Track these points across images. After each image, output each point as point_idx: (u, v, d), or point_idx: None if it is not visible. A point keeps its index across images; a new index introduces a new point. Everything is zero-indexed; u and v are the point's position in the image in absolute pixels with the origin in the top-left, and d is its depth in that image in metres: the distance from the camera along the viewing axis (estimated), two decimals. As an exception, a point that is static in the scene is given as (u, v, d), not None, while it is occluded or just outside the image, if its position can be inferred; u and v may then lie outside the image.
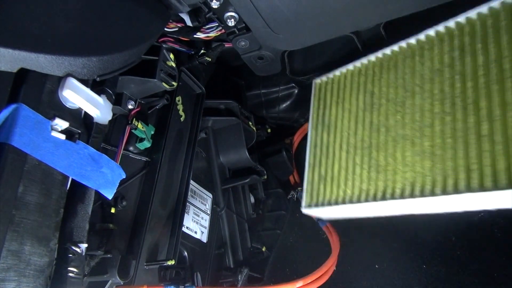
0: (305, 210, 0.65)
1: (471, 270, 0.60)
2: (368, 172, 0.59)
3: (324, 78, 0.71)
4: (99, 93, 0.43)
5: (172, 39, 0.57)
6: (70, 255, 0.39)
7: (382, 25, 0.60)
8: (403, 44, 0.59)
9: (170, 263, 0.51)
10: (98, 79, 0.41)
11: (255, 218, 0.81)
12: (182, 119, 0.61)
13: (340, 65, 0.66)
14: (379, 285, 0.64)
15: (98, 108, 0.42)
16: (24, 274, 0.34)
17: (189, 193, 0.60)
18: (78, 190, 0.41)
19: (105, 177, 0.43)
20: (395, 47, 0.60)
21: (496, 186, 0.44)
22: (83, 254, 0.40)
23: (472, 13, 0.52)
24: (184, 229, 0.59)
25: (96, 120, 0.43)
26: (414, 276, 0.63)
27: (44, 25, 0.36)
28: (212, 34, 0.57)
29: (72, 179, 0.40)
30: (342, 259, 0.67)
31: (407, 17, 0.52)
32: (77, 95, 0.39)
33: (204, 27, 0.56)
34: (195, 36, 0.56)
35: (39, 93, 0.37)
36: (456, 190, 0.48)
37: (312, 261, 0.71)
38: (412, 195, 0.52)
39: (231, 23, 0.52)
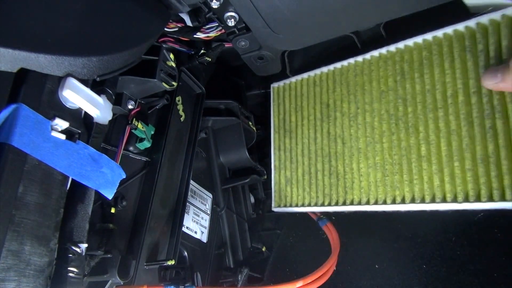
0: (276, 209, 0.71)
1: (471, 270, 0.60)
2: (329, 178, 0.65)
3: (281, 83, 0.74)
4: (99, 93, 0.43)
5: (172, 39, 0.57)
6: (70, 255, 0.39)
7: (382, 25, 0.61)
8: (351, 61, 0.64)
9: (170, 263, 0.51)
10: (98, 79, 0.41)
11: (255, 218, 0.81)
12: (182, 119, 0.61)
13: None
14: (379, 285, 0.64)
15: (98, 108, 0.42)
16: (24, 274, 0.34)
17: (189, 193, 0.60)
18: (78, 190, 0.41)
19: (105, 177, 0.43)
20: (345, 63, 0.64)
21: (433, 200, 0.53)
22: (83, 254, 0.40)
23: (410, 42, 0.57)
24: (184, 229, 0.59)
25: (96, 120, 0.43)
26: (414, 276, 0.63)
27: (44, 25, 0.36)
28: (212, 34, 0.57)
29: (72, 179, 0.40)
30: (342, 259, 0.67)
31: (407, 17, 0.52)
32: (77, 95, 0.39)
33: (204, 27, 0.56)
34: (195, 36, 0.56)
35: (39, 93, 0.37)
36: (403, 201, 0.56)
37: (312, 261, 0.71)
38: (368, 203, 0.60)
39: (231, 23, 0.52)
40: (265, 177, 0.75)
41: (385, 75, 0.59)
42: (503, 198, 0.48)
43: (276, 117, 0.74)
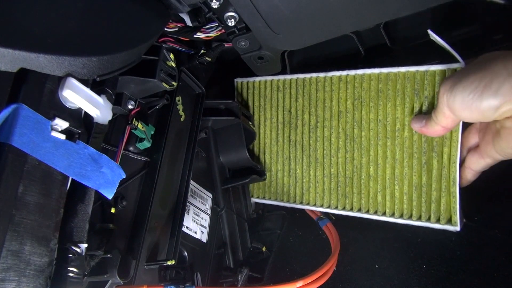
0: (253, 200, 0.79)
1: (471, 270, 0.60)
2: (288, 178, 0.72)
3: (245, 80, 0.77)
4: (99, 93, 0.43)
5: (172, 39, 0.57)
6: (70, 255, 0.39)
7: (382, 25, 0.61)
8: (314, 75, 0.68)
9: (170, 263, 0.51)
10: (98, 79, 0.41)
11: (255, 218, 0.81)
12: (182, 119, 0.61)
13: (340, 65, 0.66)
14: (379, 285, 0.64)
15: (98, 108, 0.42)
16: (24, 274, 0.34)
17: (189, 193, 0.60)
18: (78, 190, 0.41)
19: (105, 177, 0.43)
20: (308, 76, 0.68)
21: (375, 213, 0.63)
22: (83, 254, 0.40)
23: (369, 71, 0.62)
24: (184, 229, 0.59)
25: (96, 120, 0.43)
26: (414, 276, 0.63)
27: (44, 25, 0.36)
28: (212, 34, 0.57)
29: (72, 179, 0.40)
30: (342, 259, 0.67)
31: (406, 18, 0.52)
32: (77, 95, 0.39)
33: (204, 27, 0.56)
34: (195, 36, 0.56)
35: (39, 93, 0.37)
36: (351, 210, 0.65)
37: (312, 261, 0.71)
38: (322, 206, 0.68)
39: (231, 23, 0.52)
40: (265, 177, 0.75)
41: (344, 96, 0.64)
42: (428, 220, 0.59)
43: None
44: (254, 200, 0.79)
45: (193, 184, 0.64)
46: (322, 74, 0.66)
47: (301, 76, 0.69)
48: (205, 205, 0.67)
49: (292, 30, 0.52)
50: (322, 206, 0.68)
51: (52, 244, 0.37)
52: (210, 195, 0.69)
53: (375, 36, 0.65)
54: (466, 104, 0.44)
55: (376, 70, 0.61)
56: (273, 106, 0.73)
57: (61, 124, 0.38)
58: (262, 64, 0.63)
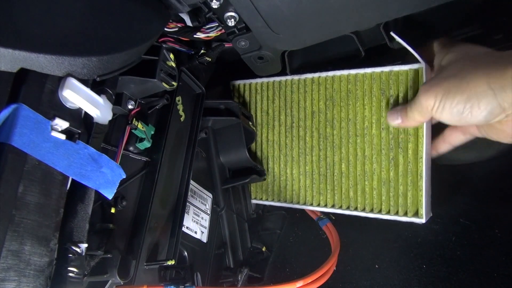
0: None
1: (471, 270, 0.60)
2: (267, 177, 0.75)
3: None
4: (99, 93, 0.43)
5: (172, 39, 0.57)
6: (70, 255, 0.39)
7: (382, 25, 0.61)
8: (289, 78, 0.71)
9: (170, 263, 0.51)
10: (98, 79, 0.41)
11: (255, 218, 0.81)
12: (182, 119, 0.61)
13: (340, 65, 0.66)
14: (379, 285, 0.64)
15: (98, 108, 0.42)
16: (24, 274, 0.34)
17: (189, 193, 0.60)
18: (78, 190, 0.41)
19: (105, 177, 0.43)
20: (284, 78, 0.71)
21: (348, 208, 0.66)
22: (83, 254, 0.40)
23: (338, 73, 0.65)
24: (184, 229, 0.59)
25: (96, 120, 0.43)
26: (414, 276, 0.63)
27: (44, 25, 0.36)
28: (212, 34, 0.57)
29: (72, 179, 0.40)
30: (342, 259, 0.67)
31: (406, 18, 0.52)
32: (77, 95, 0.39)
33: (204, 27, 0.56)
34: (195, 36, 0.56)
35: (39, 93, 0.37)
36: (326, 206, 0.68)
37: (312, 261, 0.71)
38: (298, 203, 0.72)
39: (231, 23, 0.52)
40: (265, 177, 0.75)
41: (317, 97, 0.68)
42: (396, 214, 0.61)
43: None
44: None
45: (193, 184, 0.64)
46: (296, 77, 0.70)
47: (277, 78, 0.72)
48: (205, 205, 0.67)
49: (292, 30, 0.52)
50: (298, 203, 0.71)
51: (52, 244, 0.37)
52: (210, 195, 0.69)
53: (375, 36, 0.65)
54: (455, 118, 0.47)
55: (345, 72, 0.64)
56: (252, 107, 0.76)
57: (61, 124, 0.38)
58: (262, 64, 0.63)
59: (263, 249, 0.77)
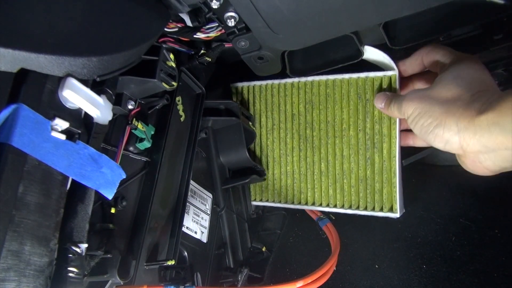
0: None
1: (471, 270, 0.60)
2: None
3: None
4: (99, 93, 0.43)
5: (172, 39, 0.57)
6: (70, 255, 0.39)
7: (382, 25, 0.60)
8: (270, 82, 0.74)
9: (170, 263, 0.51)
10: (98, 79, 0.41)
11: (255, 218, 0.81)
12: (182, 119, 0.61)
13: (340, 64, 0.66)
14: (379, 285, 0.64)
15: (98, 108, 0.42)
16: (24, 274, 0.34)
17: (189, 193, 0.60)
18: (78, 190, 0.41)
19: (105, 177, 0.43)
20: (264, 82, 0.74)
21: (328, 205, 0.69)
22: (83, 254, 0.40)
23: (317, 78, 0.69)
24: (184, 229, 0.59)
25: (96, 120, 0.43)
26: (414, 276, 0.63)
27: (44, 25, 0.36)
28: (212, 34, 0.57)
29: (72, 179, 0.40)
30: (342, 259, 0.67)
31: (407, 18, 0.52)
32: (77, 95, 0.39)
33: (204, 27, 0.56)
34: (195, 36, 0.56)
35: (39, 93, 0.37)
36: (306, 204, 0.71)
37: (312, 261, 0.71)
38: (280, 202, 0.74)
39: (231, 23, 0.52)
40: (265, 177, 0.75)
41: (297, 101, 0.71)
42: (373, 210, 0.65)
43: None
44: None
45: (193, 184, 0.64)
46: (276, 81, 0.73)
47: (258, 83, 0.75)
48: (205, 205, 0.67)
49: (292, 30, 0.52)
50: (280, 202, 0.74)
51: (52, 244, 0.37)
52: (210, 195, 0.69)
53: (375, 36, 0.65)
54: (422, 135, 0.51)
55: (323, 77, 0.68)
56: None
57: (61, 124, 0.38)
58: (262, 64, 0.63)
59: (263, 249, 0.77)
